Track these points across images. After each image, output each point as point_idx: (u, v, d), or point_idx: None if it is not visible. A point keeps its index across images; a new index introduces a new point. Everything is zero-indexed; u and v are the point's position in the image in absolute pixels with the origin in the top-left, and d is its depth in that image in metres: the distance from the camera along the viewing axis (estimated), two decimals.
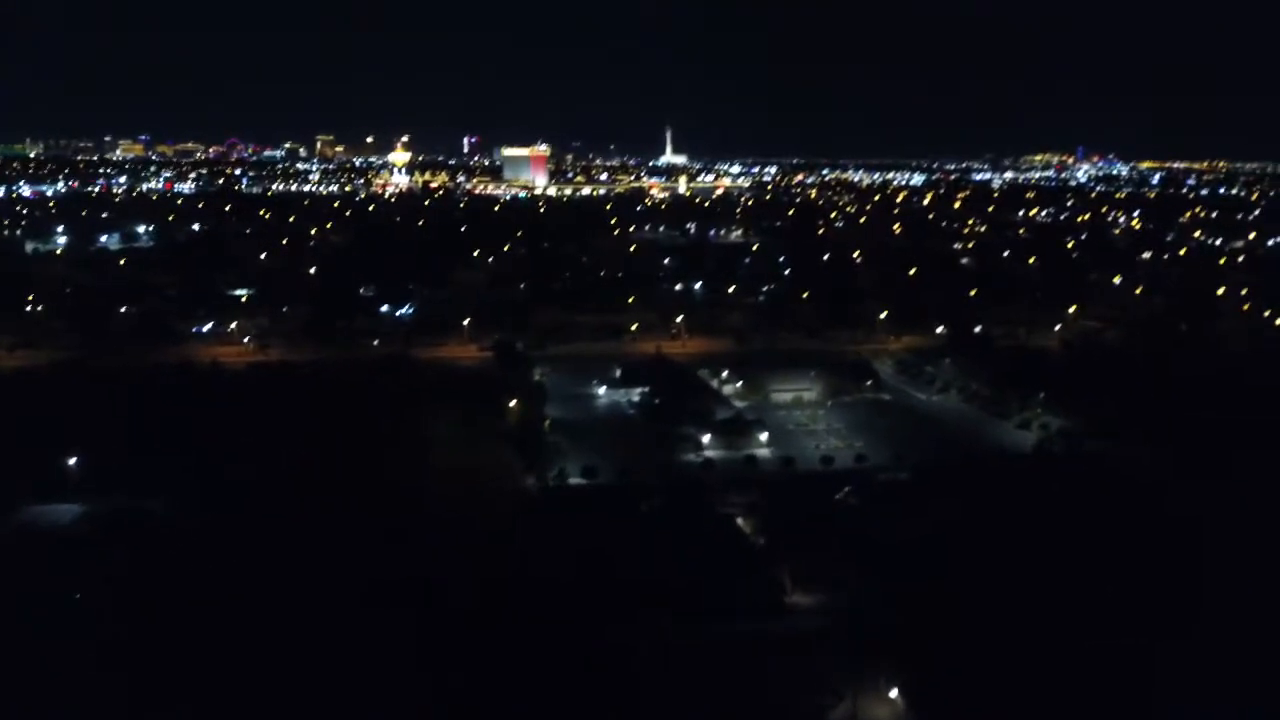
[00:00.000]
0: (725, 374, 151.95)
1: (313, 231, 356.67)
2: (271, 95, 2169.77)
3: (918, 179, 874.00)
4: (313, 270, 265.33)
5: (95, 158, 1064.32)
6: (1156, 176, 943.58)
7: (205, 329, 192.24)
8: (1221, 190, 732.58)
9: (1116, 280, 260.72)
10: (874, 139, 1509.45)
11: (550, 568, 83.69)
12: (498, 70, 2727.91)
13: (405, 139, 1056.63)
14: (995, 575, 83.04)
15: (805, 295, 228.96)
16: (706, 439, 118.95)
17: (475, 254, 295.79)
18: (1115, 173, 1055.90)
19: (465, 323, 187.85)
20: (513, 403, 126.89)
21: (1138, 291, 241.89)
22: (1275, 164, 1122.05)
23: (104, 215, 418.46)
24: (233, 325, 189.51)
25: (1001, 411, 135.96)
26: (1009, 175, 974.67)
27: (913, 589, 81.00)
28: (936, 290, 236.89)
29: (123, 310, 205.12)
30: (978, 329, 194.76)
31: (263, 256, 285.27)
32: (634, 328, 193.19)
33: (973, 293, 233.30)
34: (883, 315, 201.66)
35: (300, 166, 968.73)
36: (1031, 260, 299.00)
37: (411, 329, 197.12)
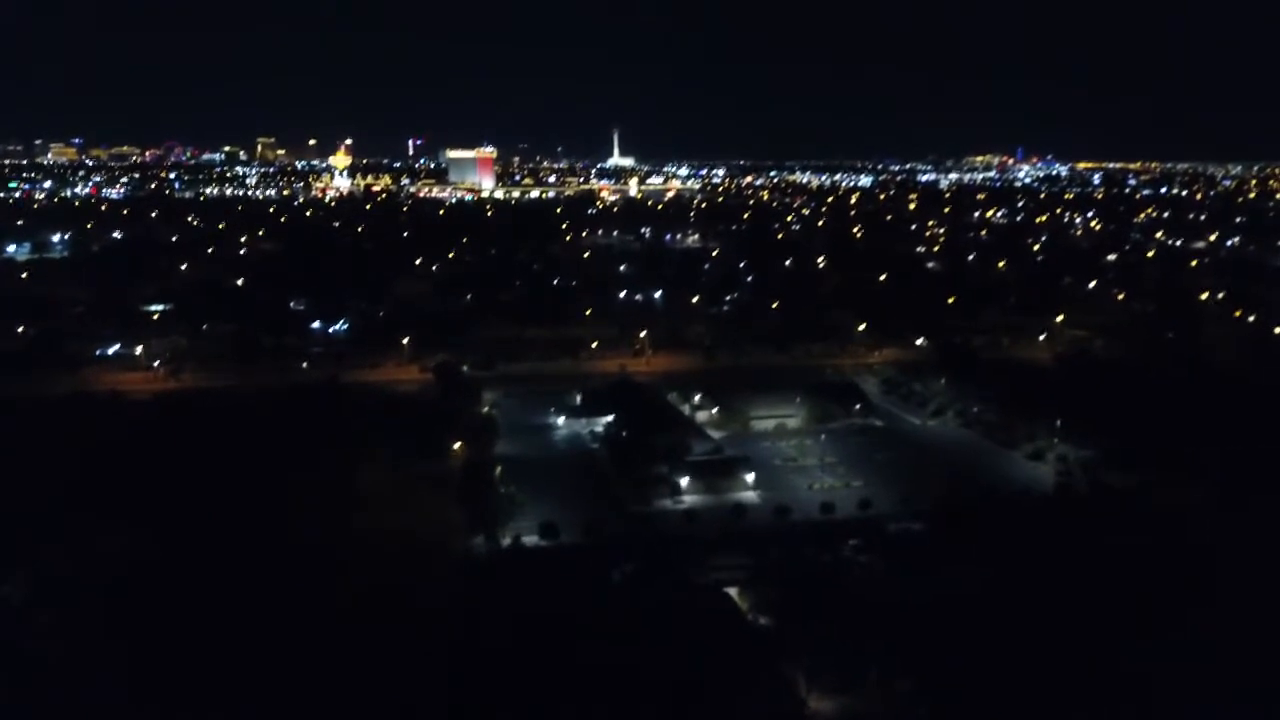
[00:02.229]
0: (698, 398, 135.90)
1: (242, 239, 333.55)
2: (213, 98, 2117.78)
3: (865, 180, 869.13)
4: (240, 282, 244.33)
5: (24, 161, 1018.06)
6: (1096, 176, 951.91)
7: (111, 351, 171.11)
8: (1163, 190, 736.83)
9: (1091, 285, 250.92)
10: (816, 140, 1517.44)
11: (501, 664, 67.06)
12: (444, 72, 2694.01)
13: (348, 142, 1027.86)
14: (1043, 656, 68.32)
15: (773, 305, 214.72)
16: (685, 482, 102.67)
17: (418, 262, 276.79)
18: (1055, 173, 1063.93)
19: (405, 341, 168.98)
20: (457, 443, 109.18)
21: (1120, 297, 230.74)
22: (1205, 164, 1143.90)
23: (18, 223, 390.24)
24: (142, 347, 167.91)
25: (1008, 439, 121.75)
26: (953, 176, 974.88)
27: (950, 681, 65.84)
28: (908, 297, 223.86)
29: (19, 330, 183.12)
30: (958, 339, 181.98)
31: (183, 267, 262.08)
32: (593, 344, 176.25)
33: (946, 299, 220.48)
34: (856, 325, 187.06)
35: (240, 170, 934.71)
36: (1000, 264, 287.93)
37: (345, 348, 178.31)
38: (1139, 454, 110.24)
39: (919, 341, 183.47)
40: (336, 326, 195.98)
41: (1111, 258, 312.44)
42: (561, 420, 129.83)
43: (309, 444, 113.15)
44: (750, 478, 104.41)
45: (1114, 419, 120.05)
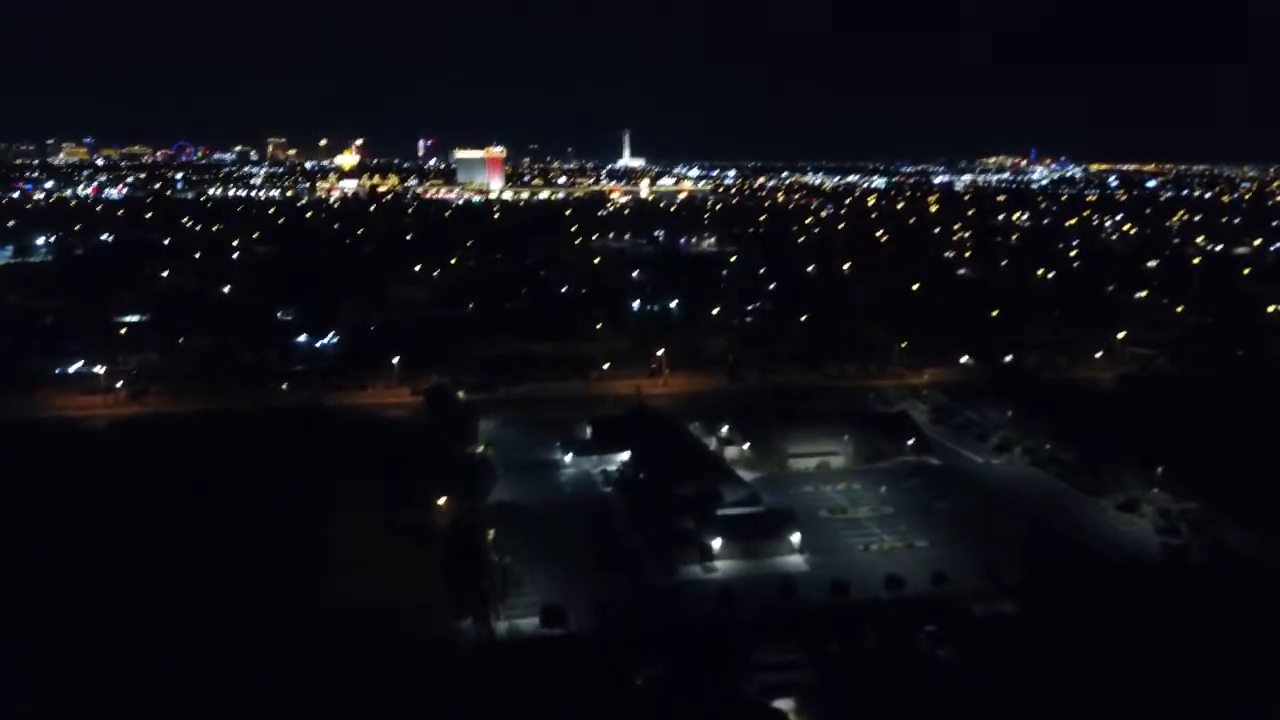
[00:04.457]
0: (725, 430, 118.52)
1: (235, 243, 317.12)
2: (225, 98, 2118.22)
3: (879, 181, 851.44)
4: (226, 290, 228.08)
5: (35, 161, 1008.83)
6: (1113, 178, 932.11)
7: (73, 369, 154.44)
8: (1185, 192, 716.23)
9: (1139, 294, 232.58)
10: (826, 141, 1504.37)
11: None
12: (455, 74, 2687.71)
13: (359, 142, 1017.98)
14: None
15: (800, 317, 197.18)
16: (717, 543, 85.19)
17: (418, 268, 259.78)
18: (1070, 174, 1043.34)
19: (396, 360, 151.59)
20: (446, 489, 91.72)
21: (1179, 309, 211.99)
22: (1219, 166, 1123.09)
23: (9, 224, 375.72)
24: (106, 366, 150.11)
25: (1091, 485, 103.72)
26: (966, 177, 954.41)
27: None
28: (945, 308, 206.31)
29: None
30: (1011, 359, 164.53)
31: (166, 274, 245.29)
32: (605, 362, 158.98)
33: (986, 311, 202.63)
34: (892, 341, 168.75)
35: (251, 170, 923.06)
36: (1038, 271, 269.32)
37: (332, 365, 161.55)
38: (1256, 504, 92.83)
39: (963, 359, 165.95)
40: (324, 340, 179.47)
41: (1152, 264, 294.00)
42: (569, 458, 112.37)
43: (273, 487, 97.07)
44: (795, 538, 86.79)
45: (1211, 458, 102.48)
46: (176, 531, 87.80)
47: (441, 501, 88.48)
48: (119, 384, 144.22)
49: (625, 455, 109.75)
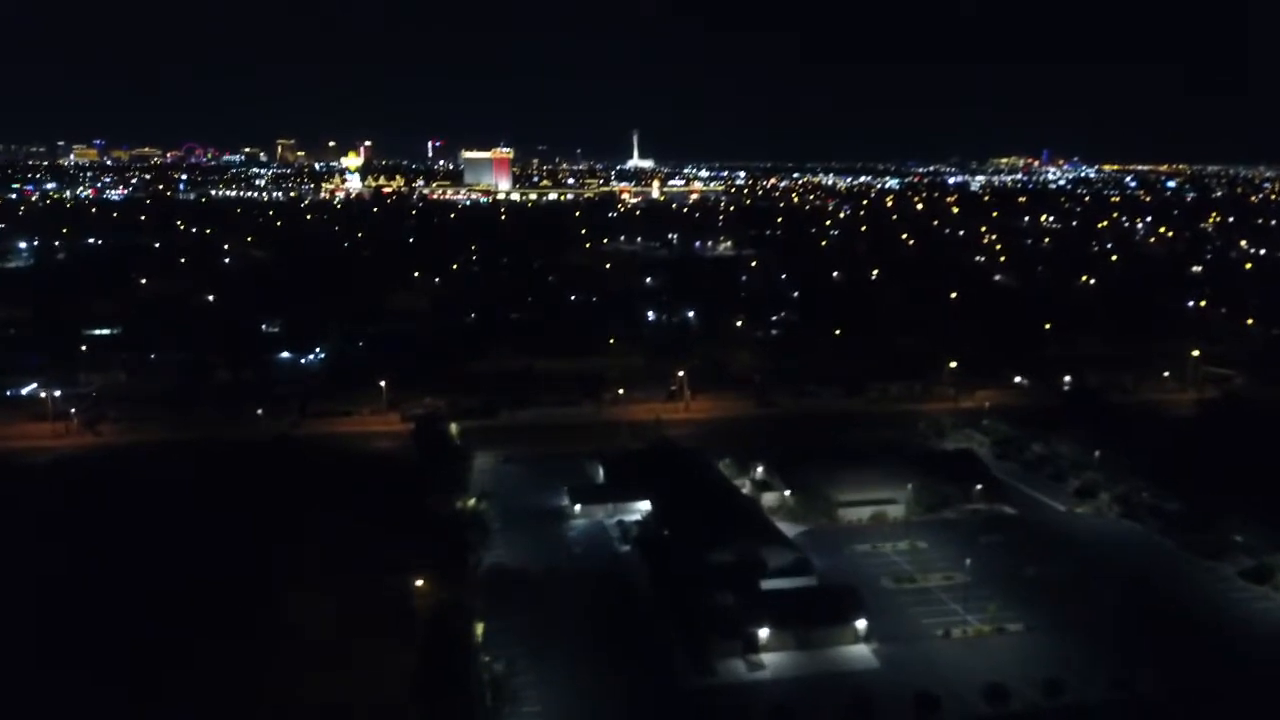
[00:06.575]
0: (761, 471, 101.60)
1: (227, 246, 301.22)
2: (237, 100, 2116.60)
3: (893, 182, 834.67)
4: (211, 298, 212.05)
5: (45, 163, 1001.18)
6: (1130, 179, 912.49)
7: (25, 390, 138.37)
8: (1210, 194, 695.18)
9: (1192, 303, 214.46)
10: (835, 142, 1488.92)
11: None
12: (465, 76, 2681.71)
13: (367, 143, 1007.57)
14: None
15: (832, 329, 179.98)
16: (764, 633, 68.10)
17: (417, 274, 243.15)
18: (1084, 175, 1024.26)
19: (384, 383, 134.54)
20: (426, 572, 74.01)
21: (1248, 321, 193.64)
22: (1232, 166, 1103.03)
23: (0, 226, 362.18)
24: (60, 390, 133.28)
25: (1206, 544, 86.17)
26: (980, 178, 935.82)
27: None
28: (987, 320, 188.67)
29: None
30: (1067, 377, 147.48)
31: (145, 281, 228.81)
32: (618, 383, 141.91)
33: (1035, 323, 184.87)
34: (935, 357, 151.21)
35: (257, 171, 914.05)
36: (1081, 279, 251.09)
37: (316, 385, 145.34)
38: None
39: (1017, 379, 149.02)
40: (310, 356, 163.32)
41: (1196, 269, 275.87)
42: (578, 507, 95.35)
43: (221, 552, 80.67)
44: (861, 624, 69.58)
45: None
46: (95, 609, 71.94)
47: (421, 582, 71.08)
48: (73, 409, 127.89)
49: (645, 504, 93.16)
